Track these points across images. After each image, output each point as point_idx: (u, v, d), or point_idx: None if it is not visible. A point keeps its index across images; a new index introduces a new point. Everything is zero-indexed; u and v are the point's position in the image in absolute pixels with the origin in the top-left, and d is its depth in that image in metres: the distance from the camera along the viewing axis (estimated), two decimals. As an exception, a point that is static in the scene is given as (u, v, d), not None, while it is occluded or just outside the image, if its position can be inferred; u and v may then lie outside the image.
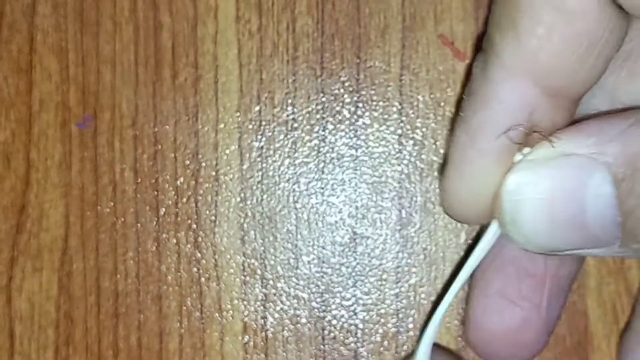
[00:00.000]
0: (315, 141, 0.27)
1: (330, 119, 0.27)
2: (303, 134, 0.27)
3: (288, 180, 0.27)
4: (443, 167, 0.23)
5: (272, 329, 0.27)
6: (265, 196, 0.27)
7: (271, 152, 0.27)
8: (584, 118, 0.20)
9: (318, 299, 0.27)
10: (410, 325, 0.26)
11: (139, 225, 0.27)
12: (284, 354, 0.27)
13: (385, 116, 0.26)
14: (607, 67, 0.20)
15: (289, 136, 0.27)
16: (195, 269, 0.27)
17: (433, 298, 0.26)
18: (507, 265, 0.23)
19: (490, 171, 0.20)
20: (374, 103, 0.26)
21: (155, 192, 0.27)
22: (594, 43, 0.19)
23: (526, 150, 0.20)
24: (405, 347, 0.26)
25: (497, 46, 0.20)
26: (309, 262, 0.27)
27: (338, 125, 0.27)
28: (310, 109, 0.27)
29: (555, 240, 0.19)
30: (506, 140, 0.20)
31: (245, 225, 0.27)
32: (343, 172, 0.27)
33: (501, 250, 0.23)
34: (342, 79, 0.27)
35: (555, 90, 0.20)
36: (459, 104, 0.26)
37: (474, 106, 0.20)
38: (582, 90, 0.20)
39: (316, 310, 0.27)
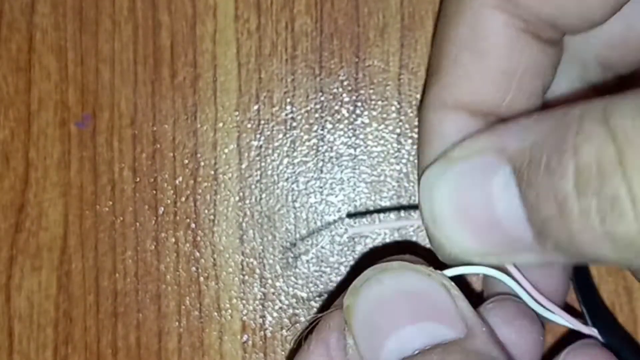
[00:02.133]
0: (314, 140, 0.27)
1: (329, 118, 0.27)
2: (302, 133, 0.27)
3: (287, 179, 0.27)
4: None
5: (270, 328, 0.27)
6: (264, 195, 0.27)
7: (270, 151, 0.27)
8: None
9: (317, 298, 0.27)
10: (409, 325, 0.26)
11: (137, 224, 0.27)
12: (283, 352, 0.27)
13: (384, 115, 0.26)
14: (542, 90, 0.21)
15: (287, 135, 0.27)
16: (194, 268, 0.27)
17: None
18: None
19: None
20: (373, 102, 0.26)
21: (154, 191, 0.27)
22: (512, 76, 0.21)
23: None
24: (404, 346, 0.26)
25: (428, 88, 0.22)
26: (307, 261, 0.27)
27: (337, 125, 0.27)
28: (309, 108, 0.27)
29: (475, 239, 0.19)
30: None
31: (244, 224, 0.27)
32: (342, 171, 0.27)
33: None
34: (340, 78, 0.27)
35: (485, 114, 0.21)
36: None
37: (421, 147, 0.22)
38: (511, 112, 0.21)
39: (315, 309, 0.27)
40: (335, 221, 0.27)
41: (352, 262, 0.27)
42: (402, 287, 0.20)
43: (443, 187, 0.19)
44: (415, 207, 0.26)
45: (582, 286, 0.24)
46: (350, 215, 0.26)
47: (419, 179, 0.21)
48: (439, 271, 0.21)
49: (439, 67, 0.21)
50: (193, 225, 0.27)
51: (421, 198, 0.20)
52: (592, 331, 0.23)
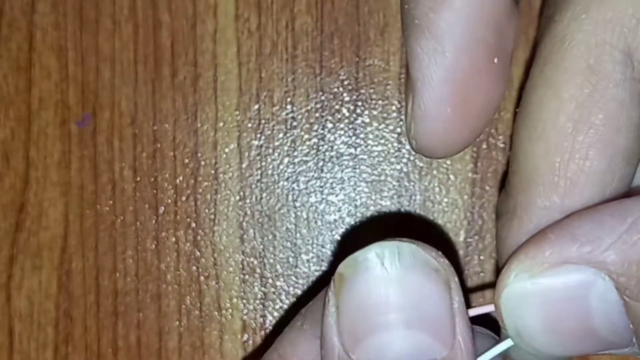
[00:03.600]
0: (315, 140, 0.27)
1: (330, 118, 0.27)
2: (302, 133, 0.27)
3: (287, 178, 0.27)
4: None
5: (271, 328, 0.27)
6: (264, 195, 0.27)
7: (270, 150, 0.27)
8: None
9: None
10: (410, 324, 0.26)
11: (138, 223, 0.27)
12: (283, 352, 0.27)
13: (385, 115, 0.26)
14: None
15: (288, 135, 0.27)
16: (194, 268, 0.27)
17: (432, 296, 0.26)
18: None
19: None
20: (373, 102, 0.26)
21: (155, 191, 0.27)
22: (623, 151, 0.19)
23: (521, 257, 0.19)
24: (404, 346, 0.26)
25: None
26: (308, 260, 0.27)
27: (337, 124, 0.27)
28: (309, 107, 0.27)
29: (567, 348, 0.18)
30: None
31: (244, 223, 0.27)
32: (342, 171, 0.27)
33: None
34: (341, 77, 0.27)
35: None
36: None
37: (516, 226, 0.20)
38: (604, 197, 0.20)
39: (315, 308, 0.27)
40: (335, 220, 0.27)
41: (352, 262, 0.27)
42: (404, 280, 0.19)
43: (530, 303, 0.18)
44: None
45: None
46: None
47: (498, 254, 0.20)
48: (447, 265, 0.19)
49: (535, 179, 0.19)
50: (193, 225, 0.27)
51: (504, 313, 0.19)
52: None
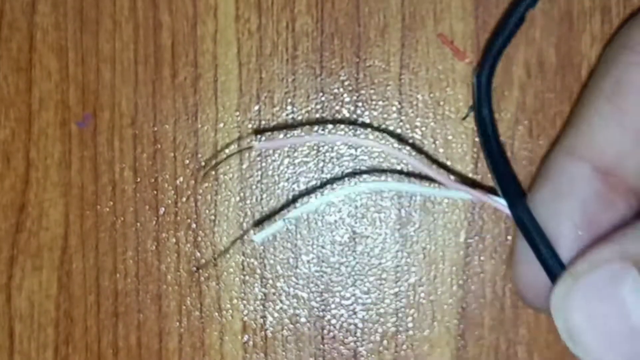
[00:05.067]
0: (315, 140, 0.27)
1: (330, 119, 0.27)
2: (302, 133, 0.27)
3: (287, 179, 0.27)
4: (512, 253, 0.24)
5: (271, 328, 0.27)
6: (264, 195, 0.27)
7: (270, 151, 0.27)
8: None
9: (317, 298, 0.27)
10: (410, 325, 0.26)
11: (138, 224, 0.27)
12: (284, 353, 0.27)
13: (385, 115, 0.26)
14: None
15: (288, 135, 0.27)
16: (194, 269, 0.27)
17: (432, 297, 0.26)
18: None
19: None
20: (374, 102, 0.26)
21: (155, 192, 0.27)
22: None
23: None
24: (404, 347, 0.26)
25: (563, 133, 0.23)
26: (308, 261, 0.27)
27: (337, 125, 0.27)
28: (309, 108, 0.27)
29: (616, 351, 0.19)
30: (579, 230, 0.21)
31: (244, 224, 0.27)
32: (342, 172, 0.27)
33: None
34: (341, 78, 0.27)
35: (608, 172, 0.22)
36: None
37: (538, 180, 0.23)
38: (634, 179, 0.22)
39: (315, 309, 0.27)
40: (335, 221, 0.27)
41: (352, 263, 0.27)
42: None
43: (574, 303, 0.20)
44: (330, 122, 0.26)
45: (493, 155, 0.24)
46: (258, 132, 0.26)
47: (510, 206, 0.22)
48: None
49: (578, 115, 0.22)
50: (194, 226, 0.27)
51: (555, 316, 0.20)
52: (502, 203, 0.23)
